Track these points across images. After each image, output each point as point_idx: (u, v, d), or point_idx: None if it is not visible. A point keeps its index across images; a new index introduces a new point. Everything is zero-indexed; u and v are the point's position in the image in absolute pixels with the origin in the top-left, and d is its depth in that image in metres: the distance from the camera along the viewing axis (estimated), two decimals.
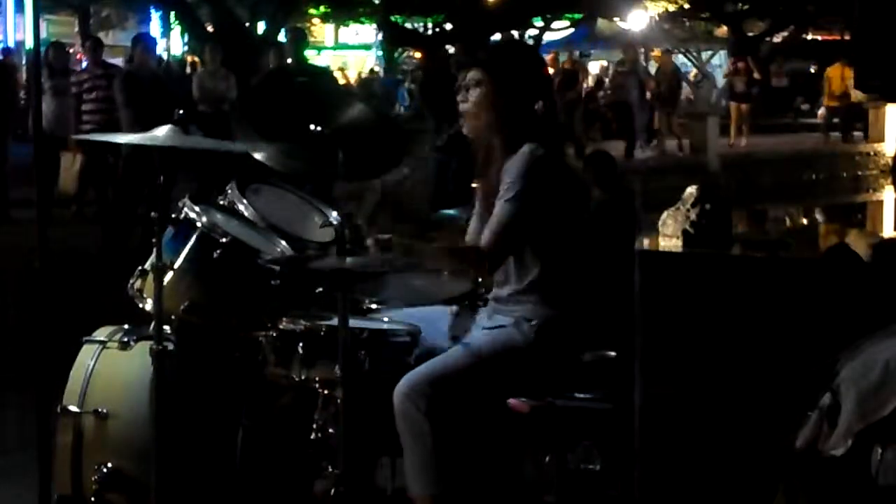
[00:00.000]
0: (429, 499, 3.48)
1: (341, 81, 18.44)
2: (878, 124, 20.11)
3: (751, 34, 29.90)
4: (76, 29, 28.57)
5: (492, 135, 3.70)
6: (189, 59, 25.52)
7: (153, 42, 10.76)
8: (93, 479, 3.78)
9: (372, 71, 33.44)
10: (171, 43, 32.21)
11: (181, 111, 3.59)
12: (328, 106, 3.97)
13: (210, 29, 19.23)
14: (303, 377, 3.58)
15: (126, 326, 4.01)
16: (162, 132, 3.53)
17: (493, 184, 3.66)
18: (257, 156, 4.04)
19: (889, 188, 16.43)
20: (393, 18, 25.69)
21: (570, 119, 18.08)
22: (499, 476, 3.66)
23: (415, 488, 3.51)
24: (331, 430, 3.55)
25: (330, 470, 3.51)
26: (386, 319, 3.83)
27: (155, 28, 32.30)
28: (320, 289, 3.85)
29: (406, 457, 3.50)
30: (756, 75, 23.02)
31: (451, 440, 3.48)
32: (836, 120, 21.40)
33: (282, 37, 18.85)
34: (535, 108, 3.69)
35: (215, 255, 3.77)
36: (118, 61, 15.49)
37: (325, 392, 3.57)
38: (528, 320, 3.61)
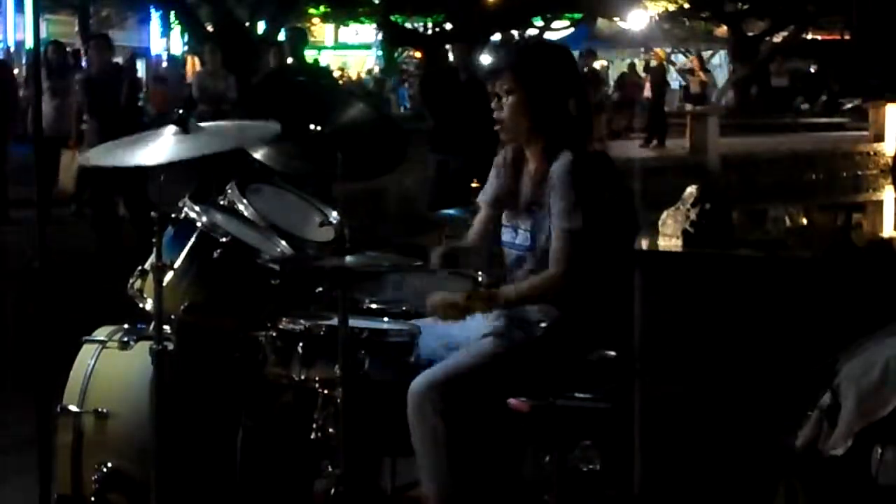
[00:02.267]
0: (442, 497, 3.49)
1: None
2: (878, 124, 20.11)
3: (751, 34, 29.89)
4: (76, 29, 28.56)
5: (529, 140, 3.69)
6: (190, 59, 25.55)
7: (107, 40, 10.60)
8: (93, 479, 3.78)
9: (369, 72, 33.44)
10: (171, 43, 32.22)
11: (181, 110, 3.58)
12: (328, 106, 3.97)
13: (210, 29, 19.22)
14: (302, 377, 3.58)
15: (126, 326, 4.01)
16: (165, 135, 3.51)
17: (528, 189, 3.65)
18: (257, 156, 4.05)
19: (889, 188, 16.43)
20: (393, 18, 25.69)
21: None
22: (499, 476, 3.66)
23: (429, 487, 3.52)
24: (331, 430, 3.55)
25: (330, 470, 3.51)
26: (386, 319, 3.83)
27: (155, 28, 32.33)
28: (320, 289, 3.85)
29: (419, 456, 3.51)
30: (703, 77, 22.70)
31: (463, 440, 3.49)
32: None
33: (282, 37, 18.88)
34: (569, 108, 3.65)
35: (215, 255, 3.77)
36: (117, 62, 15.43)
37: (325, 392, 3.57)
38: (537, 321, 3.61)
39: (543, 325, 3.61)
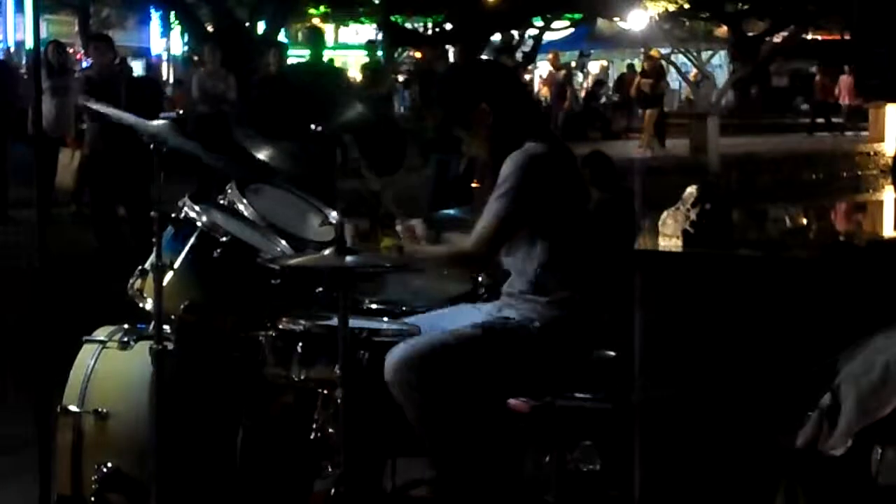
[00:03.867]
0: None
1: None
2: (878, 124, 20.12)
3: (751, 34, 29.88)
4: (76, 29, 28.55)
5: (499, 153, 3.73)
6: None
7: (107, 41, 10.61)
8: (93, 479, 3.77)
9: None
10: (172, 43, 32.21)
11: (181, 111, 3.58)
12: (328, 106, 3.97)
13: (210, 29, 19.23)
14: (302, 377, 3.58)
15: (126, 326, 4.01)
16: (158, 125, 3.53)
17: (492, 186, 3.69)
18: (259, 156, 4.05)
19: (889, 188, 16.41)
20: (393, 18, 25.69)
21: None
22: (499, 476, 3.66)
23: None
24: (331, 430, 3.55)
25: (330, 470, 3.52)
26: (386, 319, 3.83)
27: (155, 28, 32.31)
28: (320, 289, 3.85)
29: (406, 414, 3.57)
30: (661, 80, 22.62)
31: (447, 411, 3.52)
32: None
33: (282, 37, 18.87)
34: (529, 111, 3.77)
35: (215, 254, 3.77)
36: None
37: (325, 392, 3.57)
38: (533, 320, 3.62)
39: (537, 325, 3.61)
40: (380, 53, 19.65)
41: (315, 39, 10.14)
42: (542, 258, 3.65)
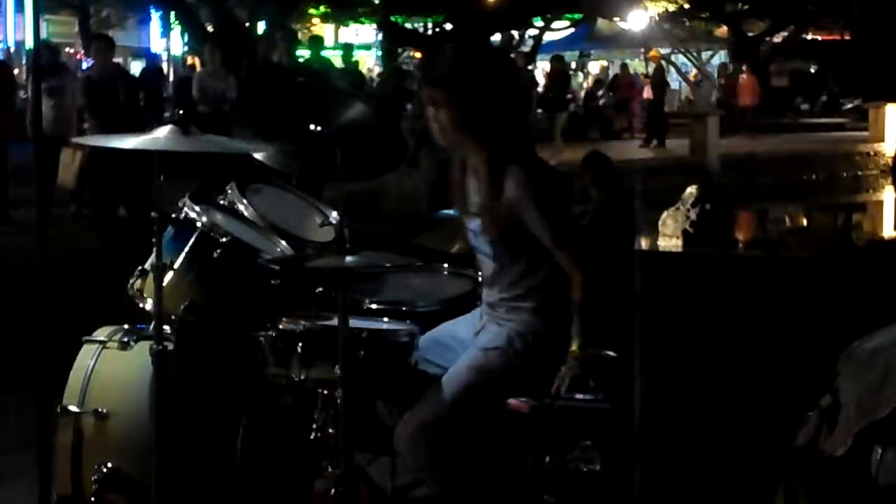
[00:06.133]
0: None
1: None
2: (878, 124, 20.13)
3: (751, 34, 29.91)
4: (76, 29, 28.56)
5: (467, 152, 3.60)
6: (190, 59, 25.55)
7: (108, 41, 10.60)
8: (93, 479, 3.77)
9: (369, 71, 33.42)
10: (171, 43, 32.21)
11: (181, 111, 3.59)
12: (328, 106, 3.97)
13: (210, 29, 19.22)
14: (302, 377, 3.58)
15: (126, 326, 4.00)
16: (163, 133, 3.53)
17: (474, 195, 3.60)
18: (257, 155, 4.05)
19: (889, 188, 16.43)
20: (393, 18, 25.67)
21: None
22: (499, 476, 3.66)
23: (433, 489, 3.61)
24: (331, 430, 3.55)
25: (330, 470, 3.52)
26: (386, 319, 3.83)
27: (155, 28, 32.32)
28: (320, 289, 3.85)
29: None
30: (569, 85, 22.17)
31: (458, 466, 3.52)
32: None
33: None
34: (510, 116, 3.54)
35: (215, 255, 3.77)
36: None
37: (325, 392, 3.57)
38: (521, 335, 3.57)
39: (528, 339, 3.58)
40: (380, 54, 19.65)
41: (289, 41, 10.22)
42: (540, 268, 3.58)
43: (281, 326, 3.63)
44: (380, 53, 28.10)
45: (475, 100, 3.47)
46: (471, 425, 3.55)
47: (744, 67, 26.96)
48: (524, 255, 3.57)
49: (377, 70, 32.70)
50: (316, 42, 14.56)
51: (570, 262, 3.49)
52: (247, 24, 19.68)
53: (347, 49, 18.62)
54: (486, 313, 3.69)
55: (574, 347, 3.43)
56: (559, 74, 20.74)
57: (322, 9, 29.30)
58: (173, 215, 3.87)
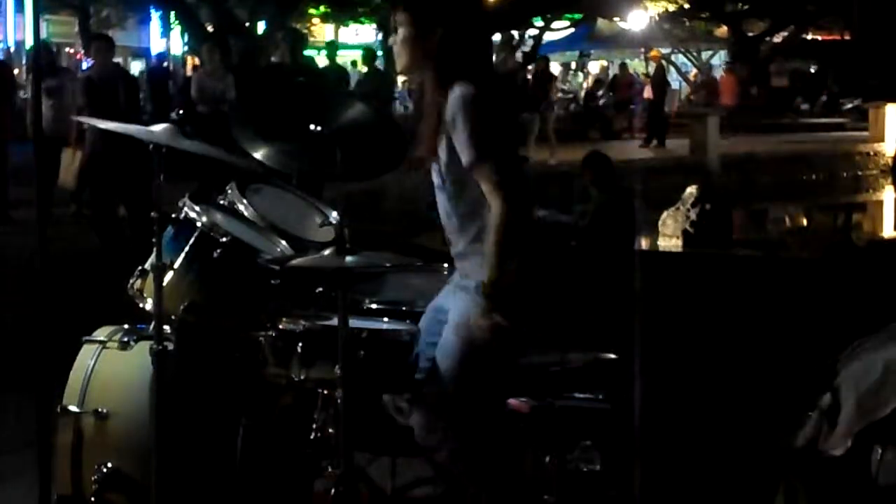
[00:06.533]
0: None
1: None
2: (878, 124, 20.14)
3: (751, 34, 29.92)
4: (76, 29, 28.56)
5: (420, 72, 3.69)
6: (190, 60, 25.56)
7: (108, 41, 10.60)
8: (93, 479, 3.77)
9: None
10: (172, 43, 32.21)
11: (180, 111, 3.59)
12: (328, 106, 3.97)
13: (210, 29, 19.22)
14: (302, 377, 3.58)
15: (126, 326, 4.01)
16: (159, 129, 3.54)
17: (427, 118, 3.63)
18: (257, 155, 4.05)
19: (889, 188, 16.46)
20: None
21: None
22: (499, 476, 3.66)
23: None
24: (331, 430, 3.55)
25: (330, 470, 3.52)
26: (386, 319, 3.83)
27: (155, 28, 32.32)
28: (320, 289, 3.85)
29: None
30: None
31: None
32: None
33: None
34: (466, 46, 3.62)
35: (215, 255, 3.76)
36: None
37: (325, 392, 3.57)
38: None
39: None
40: (380, 54, 19.64)
41: (296, 42, 10.20)
42: (474, 198, 3.55)
43: (281, 326, 3.62)
44: (380, 53, 28.11)
45: (430, 18, 3.61)
46: (479, 390, 3.54)
47: (723, 67, 26.96)
48: (468, 188, 3.57)
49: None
50: (332, 46, 14.32)
51: (488, 182, 3.47)
52: (247, 24, 19.69)
53: (331, 47, 18.46)
54: (457, 271, 3.68)
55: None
56: (542, 74, 20.75)
57: (322, 9, 29.29)
58: (173, 215, 3.87)
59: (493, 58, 21.17)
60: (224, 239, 3.78)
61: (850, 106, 25.25)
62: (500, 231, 3.45)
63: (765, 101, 26.80)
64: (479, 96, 3.50)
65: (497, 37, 22.38)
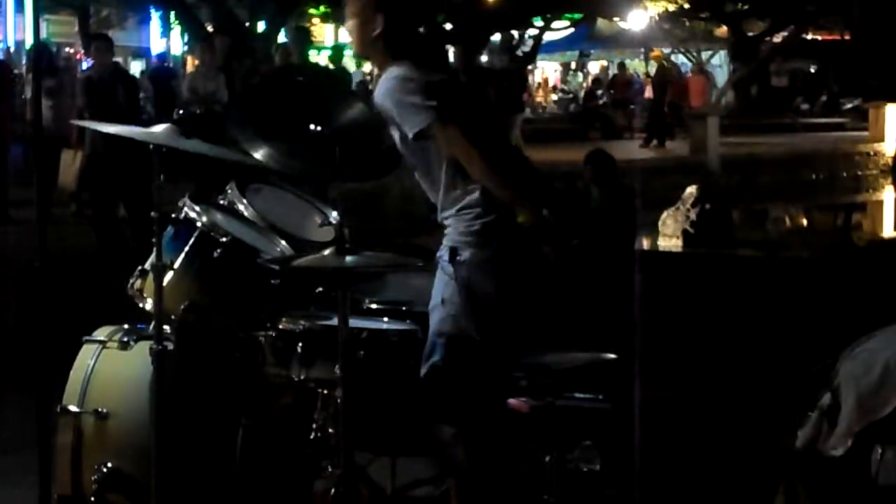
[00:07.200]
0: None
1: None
2: (878, 124, 20.12)
3: (751, 34, 29.89)
4: (76, 29, 28.54)
5: (369, 53, 3.81)
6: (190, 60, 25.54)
7: (108, 41, 10.60)
8: (93, 479, 3.77)
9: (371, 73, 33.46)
10: (172, 43, 32.21)
11: (181, 111, 3.60)
12: (328, 106, 3.97)
13: (210, 29, 19.21)
14: (302, 377, 3.58)
15: (126, 326, 4.01)
16: (159, 130, 3.54)
17: None
18: (257, 155, 4.05)
19: (889, 188, 16.45)
20: None
21: None
22: (499, 476, 3.66)
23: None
24: (331, 430, 3.55)
25: (330, 470, 3.52)
26: (386, 319, 3.83)
27: (155, 28, 32.31)
28: (320, 289, 3.85)
29: None
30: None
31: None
32: None
33: (282, 37, 18.87)
34: (417, 30, 3.79)
35: (215, 255, 3.77)
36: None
37: (325, 392, 3.57)
38: (455, 253, 3.59)
39: (462, 259, 3.58)
40: None
41: (302, 40, 10.17)
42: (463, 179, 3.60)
43: (281, 326, 3.63)
44: None
45: (371, 6, 3.74)
46: (468, 370, 3.55)
47: (691, 67, 26.90)
48: (424, 163, 3.64)
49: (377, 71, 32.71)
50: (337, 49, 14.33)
51: (444, 140, 3.54)
52: (247, 24, 19.68)
53: (337, 50, 18.44)
54: (444, 242, 3.70)
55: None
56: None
57: (322, 9, 29.29)
58: (173, 215, 3.87)
59: (487, 57, 21.18)
60: (224, 239, 3.78)
61: (850, 106, 25.22)
62: (477, 165, 3.53)
63: (765, 101, 26.78)
64: (406, 76, 3.60)
65: (497, 37, 22.36)
